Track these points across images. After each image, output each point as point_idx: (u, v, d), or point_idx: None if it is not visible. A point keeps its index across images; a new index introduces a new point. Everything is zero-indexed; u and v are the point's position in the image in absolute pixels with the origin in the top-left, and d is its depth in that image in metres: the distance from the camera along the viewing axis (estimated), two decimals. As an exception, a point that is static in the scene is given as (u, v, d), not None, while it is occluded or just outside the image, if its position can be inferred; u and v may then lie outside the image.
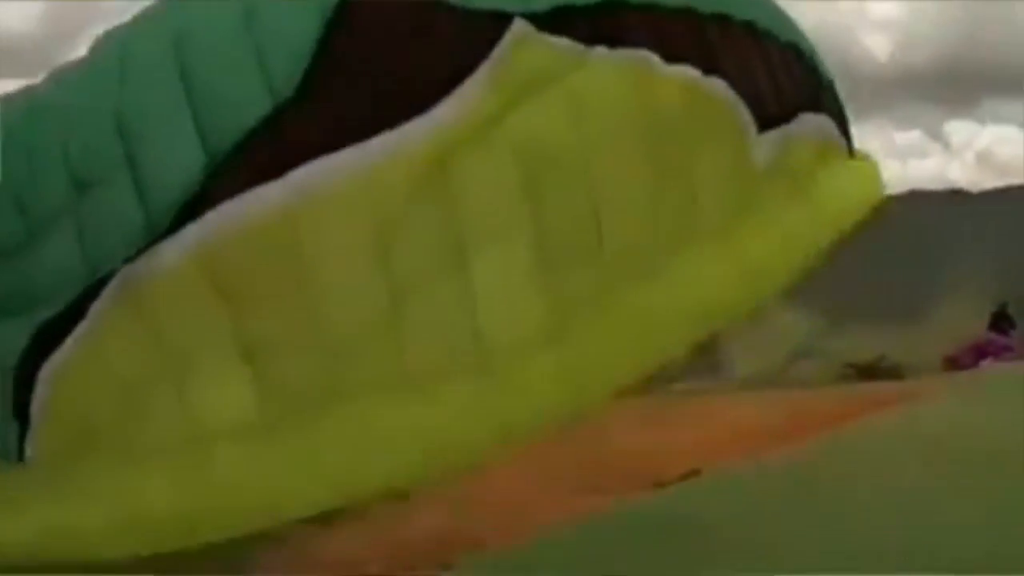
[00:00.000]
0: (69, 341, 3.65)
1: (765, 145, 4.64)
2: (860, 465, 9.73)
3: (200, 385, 3.63)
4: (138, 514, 3.62)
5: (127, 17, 4.13)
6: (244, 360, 3.61)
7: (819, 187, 5.10)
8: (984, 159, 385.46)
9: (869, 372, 32.77)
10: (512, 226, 3.80)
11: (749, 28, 4.65)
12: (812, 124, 5.14)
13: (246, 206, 3.55)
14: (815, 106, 5.20)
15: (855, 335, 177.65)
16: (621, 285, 4.03)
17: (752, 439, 12.12)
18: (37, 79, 4.25)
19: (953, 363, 24.75)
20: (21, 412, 3.69)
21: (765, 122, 4.70)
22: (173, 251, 3.58)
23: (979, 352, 24.16)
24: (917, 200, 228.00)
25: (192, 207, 3.56)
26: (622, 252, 4.05)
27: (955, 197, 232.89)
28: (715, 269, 4.36)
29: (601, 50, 4.02)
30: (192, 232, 3.58)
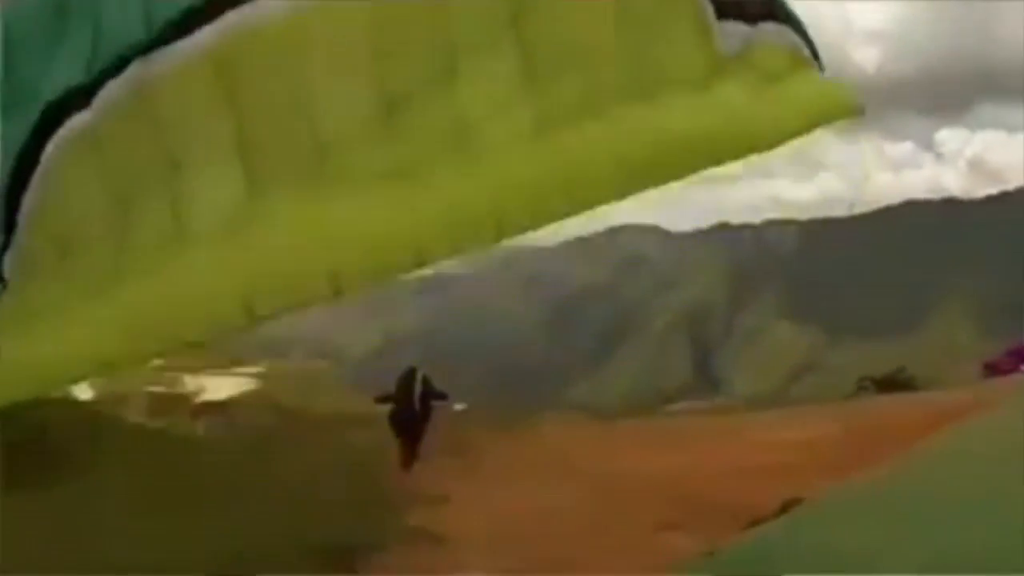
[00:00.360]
0: (73, 122, 3.71)
1: (728, 36, 4.80)
2: (968, 478, 8.72)
3: (193, 179, 3.73)
4: (116, 318, 3.68)
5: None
6: (239, 157, 3.71)
7: (791, 84, 5.21)
8: (976, 166, 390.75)
9: (888, 384, 32.04)
10: (499, 43, 4.04)
11: None
12: (777, 33, 5.25)
13: (254, 12, 3.65)
14: (776, 18, 5.27)
15: (855, 348, 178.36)
16: (607, 104, 4.24)
17: (834, 459, 11.17)
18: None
19: (993, 369, 24.54)
20: (9, 215, 3.73)
21: (723, 10, 4.82)
22: (183, 51, 3.67)
23: (1020, 356, 23.66)
24: (912, 210, 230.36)
25: (204, 12, 3.65)
26: (605, 81, 4.30)
27: (949, 206, 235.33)
28: (691, 113, 4.54)
29: None
30: (203, 34, 3.65)
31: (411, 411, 15.03)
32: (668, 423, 20.25)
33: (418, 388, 15.40)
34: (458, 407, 19.12)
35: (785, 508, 8.78)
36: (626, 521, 10.34)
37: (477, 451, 15.69)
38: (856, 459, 10.91)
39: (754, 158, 5.02)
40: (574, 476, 13.09)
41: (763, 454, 13.01)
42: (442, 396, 16.49)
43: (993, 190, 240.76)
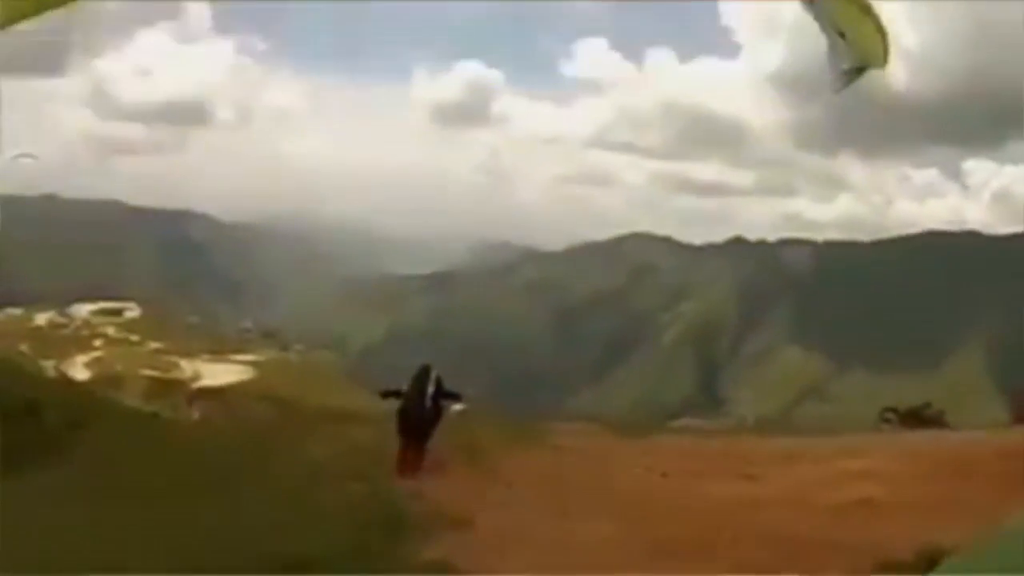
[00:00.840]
0: None
1: None
2: None
3: None
4: None
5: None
6: None
7: None
8: (1001, 200, 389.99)
9: (913, 418, 30.84)
10: None
11: None
12: None
13: None
14: None
15: (864, 380, 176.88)
16: None
17: (923, 494, 10.23)
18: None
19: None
20: None
21: None
22: None
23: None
24: (933, 240, 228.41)
25: None
26: None
27: (971, 239, 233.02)
28: None
29: None
30: None
31: (421, 409, 14.19)
32: (713, 444, 18.68)
33: (431, 388, 14.49)
34: (457, 408, 18.10)
35: (931, 558, 7.51)
36: (710, 565, 8.99)
37: (494, 462, 14.48)
38: (946, 495, 10.44)
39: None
40: (627, 503, 11.66)
41: (843, 486, 11.77)
42: (455, 397, 15.53)
43: (1018, 227, 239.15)
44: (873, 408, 37.24)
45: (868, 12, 5.52)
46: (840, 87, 5.84)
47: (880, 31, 5.55)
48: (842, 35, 5.68)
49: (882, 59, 5.34)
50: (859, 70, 5.78)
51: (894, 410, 33.50)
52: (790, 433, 25.28)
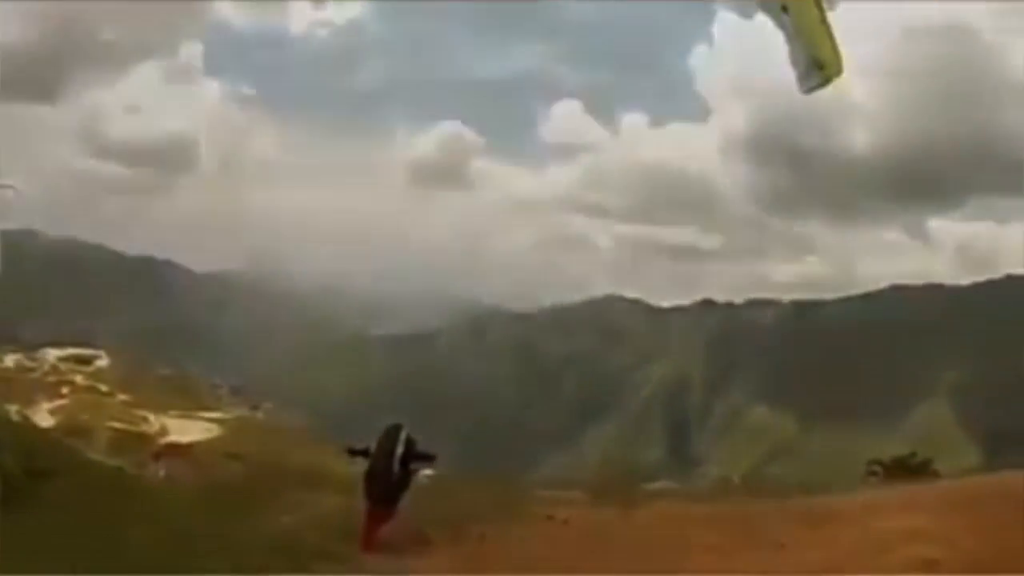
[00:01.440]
0: None
1: None
2: None
3: None
4: None
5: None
6: None
7: None
8: (965, 254, 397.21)
9: (899, 468, 30.46)
10: None
11: None
12: None
13: None
14: None
15: (835, 434, 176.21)
16: None
17: (973, 549, 10.35)
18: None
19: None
20: None
21: None
22: None
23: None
24: (896, 294, 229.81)
25: None
26: None
27: (934, 291, 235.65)
28: None
29: None
30: None
31: (389, 472, 13.41)
32: (713, 509, 17.46)
33: (400, 448, 13.71)
34: (428, 472, 17.31)
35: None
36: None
37: (484, 537, 13.88)
38: (1011, 546, 10.19)
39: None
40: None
41: (895, 548, 11.45)
42: (429, 458, 14.70)
43: (979, 276, 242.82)
44: (849, 462, 36.74)
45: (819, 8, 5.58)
46: (804, 89, 5.81)
47: (831, 36, 5.59)
48: (784, 9, 5.61)
49: (835, 64, 5.35)
50: (819, 69, 5.71)
51: (879, 462, 32.83)
52: (790, 494, 24.03)
